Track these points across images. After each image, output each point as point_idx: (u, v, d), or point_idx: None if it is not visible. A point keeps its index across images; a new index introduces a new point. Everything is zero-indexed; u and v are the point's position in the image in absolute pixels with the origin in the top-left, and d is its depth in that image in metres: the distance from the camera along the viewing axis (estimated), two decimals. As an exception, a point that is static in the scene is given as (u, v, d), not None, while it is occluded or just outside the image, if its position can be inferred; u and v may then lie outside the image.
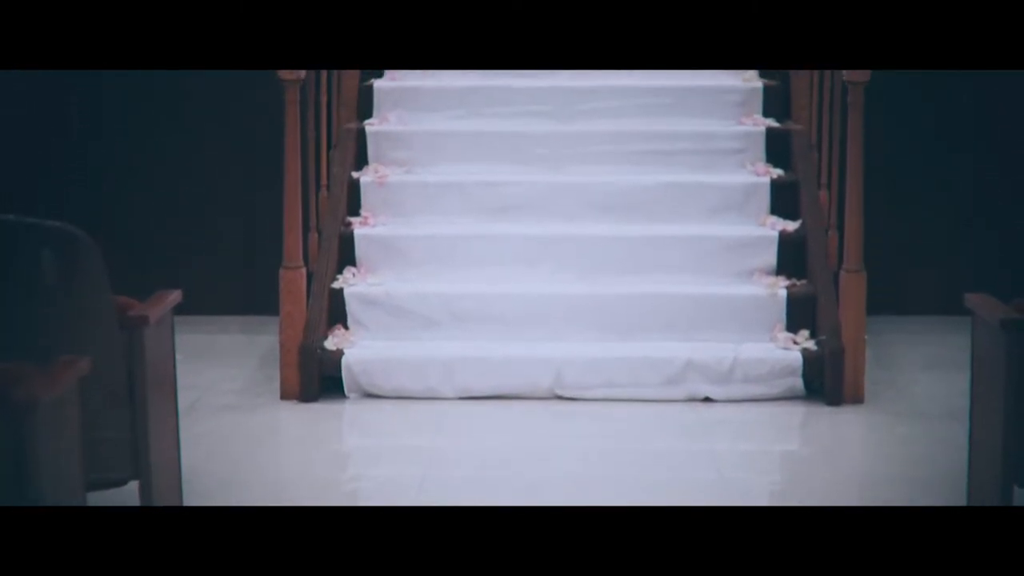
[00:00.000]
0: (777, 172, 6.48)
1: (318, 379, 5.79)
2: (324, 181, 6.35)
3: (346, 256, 6.19)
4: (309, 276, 5.96)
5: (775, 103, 6.84)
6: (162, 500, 4.22)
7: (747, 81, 6.89)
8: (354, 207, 6.39)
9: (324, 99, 6.36)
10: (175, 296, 4.45)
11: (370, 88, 6.86)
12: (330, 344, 5.85)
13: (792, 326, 5.93)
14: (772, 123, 6.71)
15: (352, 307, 5.99)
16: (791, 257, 6.16)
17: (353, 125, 6.70)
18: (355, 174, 6.48)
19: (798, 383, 5.77)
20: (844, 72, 5.71)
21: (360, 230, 6.24)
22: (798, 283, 6.06)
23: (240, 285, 7.11)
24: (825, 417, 5.66)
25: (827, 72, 6.28)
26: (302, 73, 5.75)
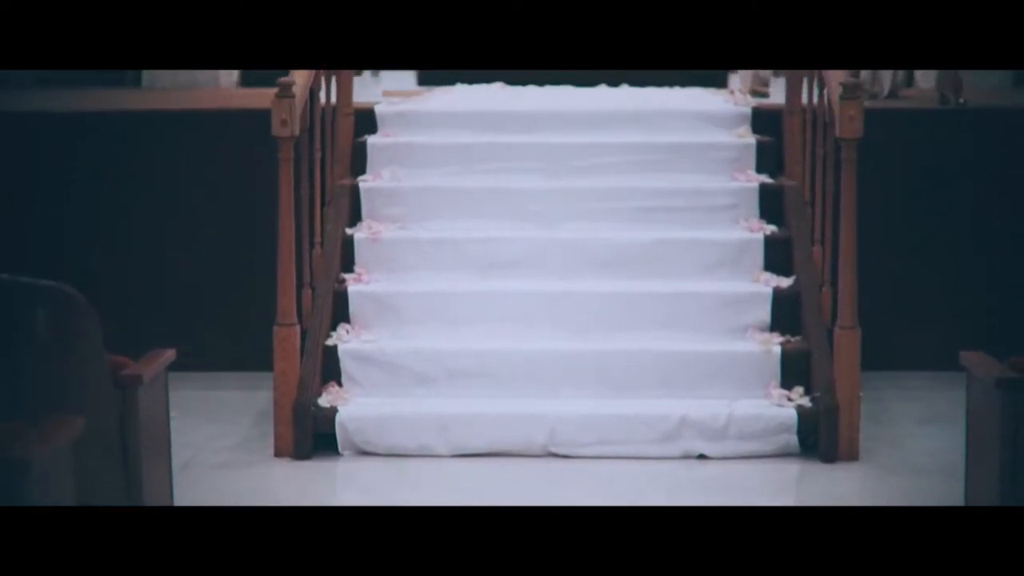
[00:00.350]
0: (771, 228, 6.49)
1: (312, 436, 5.77)
2: (318, 238, 6.35)
3: (340, 313, 6.18)
4: (303, 333, 5.95)
5: (768, 159, 6.87)
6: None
7: (740, 137, 6.92)
8: (348, 264, 6.40)
9: (318, 155, 6.37)
10: (169, 355, 4.44)
11: (364, 144, 6.87)
12: (324, 401, 5.84)
13: (787, 383, 5.92)
14: (765, 179, 6.73)
15: (346, 364, 5.98)
16: (785, 313, 6.16)
17: (347, 181, 6.71)
18: (349, 230, 6.48)
19: (793, 440, 5.76)
20: (837, 128, 5.73)
21: (354, 287, 6.23)
22: (792, 340, 6.06)
23: (234, 341, 7.09)
24: (820, 474, 5.64)
25: (820, 128, 6.31)
26: (296, 129, 5.76)
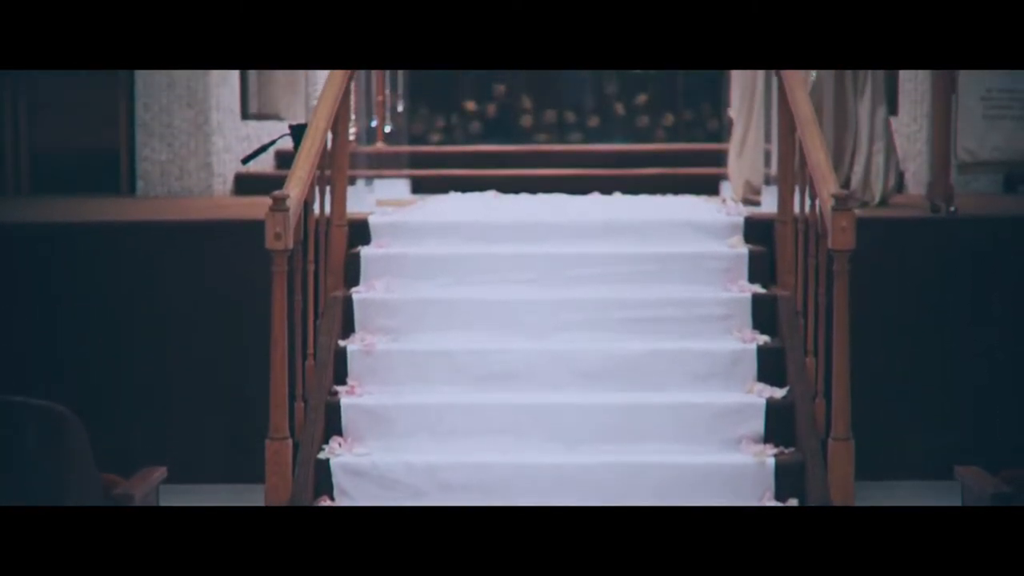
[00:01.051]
0: (764, 338, 6.49)
1: (304, 551, 5.72)
2: (311, 349, 6.34)
3: (332, 425, 6.16)
4: (295, 445, 5.92)
5: (761, 268, 6.89)
6: None
7: (733, 247, 6.95)
8: (341, 375, 6.38)
9: (311, 267, 6.38)
10: (160, 473, 4.43)
11: (357, 255, 6.89)
12: (316, 515, 5.79)
13: (781, 494, 5.89)
14: (758, 289, 6.74)
15: (338, 478, 5.94)
16: (779, 424, 6.14)
17: (340, 292, 6.72)
18: (342, 342, 6.48)
19: (788, 553, 5.71)
20: (829, 240, 5.75)
21: (347, 399, 6.21)
22: (786, 451, 6.04)
23: (226, 453, 7.06)
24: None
25: (812, 238, 6.32)
26: (290, 242, 5.76)
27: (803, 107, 6.42)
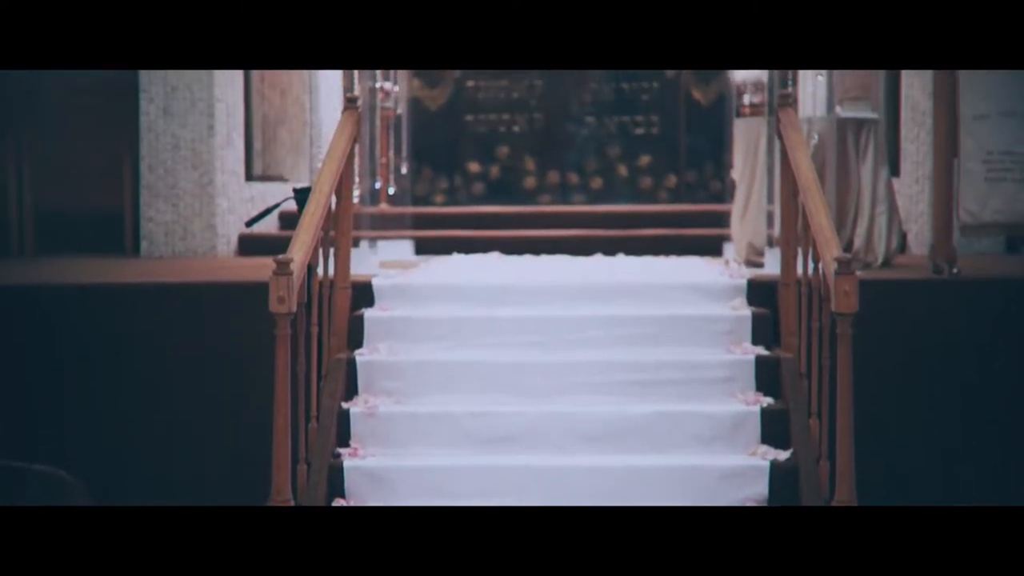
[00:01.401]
0: (767, 400, 6.48)
1: (306, 616, 5.69)
2: (314, 412, 6.33)
3: (335, 488, 6.14)
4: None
5: (764, 330, 6.89)
6: None
7: (735, 309, 6.95)
8: (344, 438, 6.37)
9: (315, 330, 6.38)
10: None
11: (361, 318, 6.90)
12: (318, 579, 5.77)
13: (785, 558, 5.86)
14: (761, 351, 6.74)
15: (341, 541, 5.91)
16: (783, 487, 6.11)
17: (343, 355, 6.72)
18: (345, 404, 6.47)
19: (793, 617, 5.68)
20: (832, 303, 5.75)
21: (349, 462, 6.20)
22: (790, 514, 6.01)
23: (228, 516, 7.03)
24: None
25: (815, 300, 6.33)
26: (294, 306, 5.76)
27: (805, 171, 6.45)
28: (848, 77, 10.55)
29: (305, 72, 11.03)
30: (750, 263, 8.14)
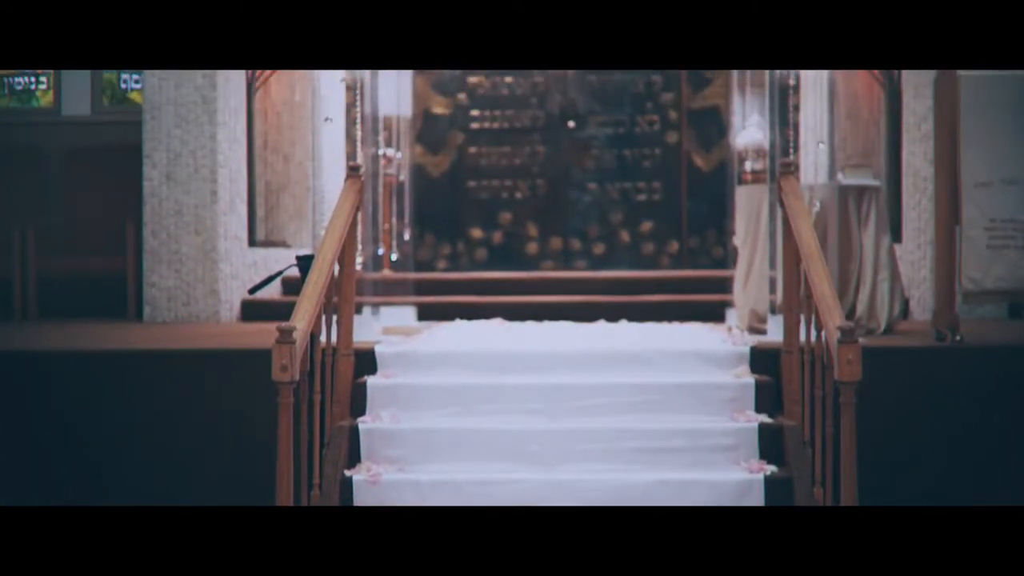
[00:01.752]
0: (771, 468, 6.47)
1: None
2: (316, 480, 6.31)
3: (338, 557, 6.11)
4: (300, 578, 5.87)
5: (767, 398, 6.88)
6: None
7: (739, 377, 6.94)
8: (347, 505, 6.34)
9: (317, 397, 6.37)
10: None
11: (364, 385, 6.89)
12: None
13: (790, 629, 5.82)
14: (765, 419, 6.73)
15: (343, 611, 5.89)
16: (787, 556, 6.09)
17: (346, 422, 6.71)
18: (347, 472, 6.45)
19: None
20: (836, 372, 5.74)
21: (352, 530, 6.18)
22: (795, 584, 5.98)
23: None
24: None
25: (818, 368, 6.32)
26: (296, 374, 5.76)
27: (807, 239, 6.46)
28: (849, 144, 10.61)
29: (308, 138, 11.08)
30: (753, 330, 8.14)
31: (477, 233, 11.90)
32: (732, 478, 6.40)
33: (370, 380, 6.92)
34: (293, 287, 9.91)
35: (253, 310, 9.72)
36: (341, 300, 6.93)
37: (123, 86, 11.15)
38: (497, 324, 8.94)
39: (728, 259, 9.69)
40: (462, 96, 11.99)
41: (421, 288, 9.91)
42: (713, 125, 11.73)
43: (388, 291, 9.38)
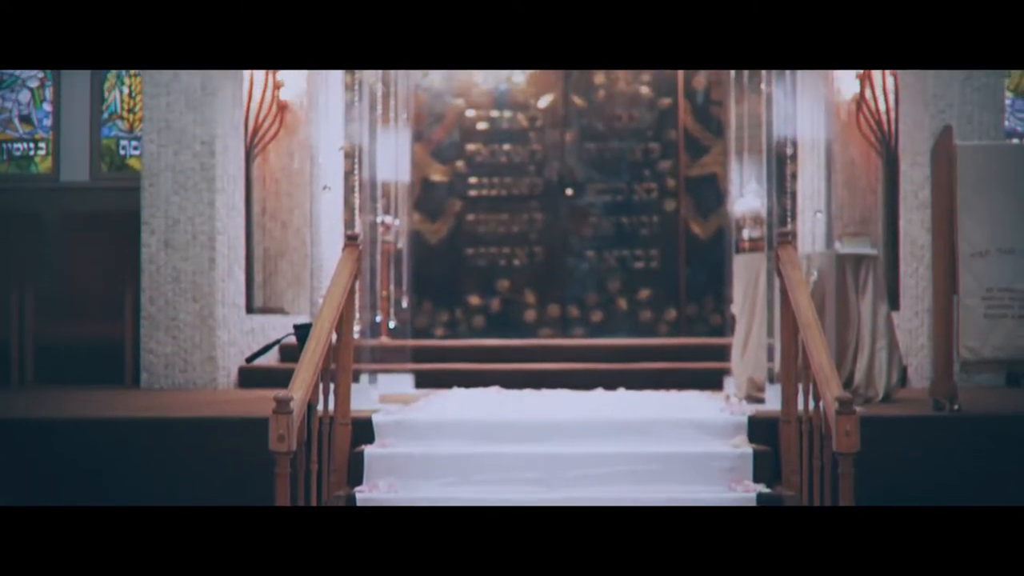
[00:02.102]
0: (769, 539, 6.43)
1: None
2: (313, 550, 6.28)
3: (334, 628, 6.07)
4: (296, 650, 5.83)
5: (765, 467, 6.86)
6: None
7: (736, 446, 6.92)
8: (343, 577, 6.30)
9: (315, 467, 6.34)
10: None
11: (361, 454, 6.87)
12: None
13: None
14: (763, 488, 6.70)
15: None
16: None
17: (343, 492, 6.68)
18: (344, 542, 6.42)
19: None
20: (834, 443, 5.73)
21: (349, 601, 6.14)
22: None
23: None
24: None
25: (816, 438, 6.30)
26: (293, 444, 5.74)
27: (805, 309, 6.47)
28: (847, 212, 10.64)
29: (306, 205, 11.10)
30: (751, 398, 8.13)
31: (475, 300, 11.91)
32: (730, 549, 6.37)
33: (367, 449, 6.89)
34: (291, 354, 9.91)
35: (251, 377, 9.71)
36: (339, 368, 6.92)
37: (122, 152, 11.19)
38: (495, 392, 8.92)
39: (726, 327, 9.70)
40: (460, 163, 12.03)
41: (419, 355, 9.90)
42: (711, 193, 11.77)
43: (386, 358, 9.37)
